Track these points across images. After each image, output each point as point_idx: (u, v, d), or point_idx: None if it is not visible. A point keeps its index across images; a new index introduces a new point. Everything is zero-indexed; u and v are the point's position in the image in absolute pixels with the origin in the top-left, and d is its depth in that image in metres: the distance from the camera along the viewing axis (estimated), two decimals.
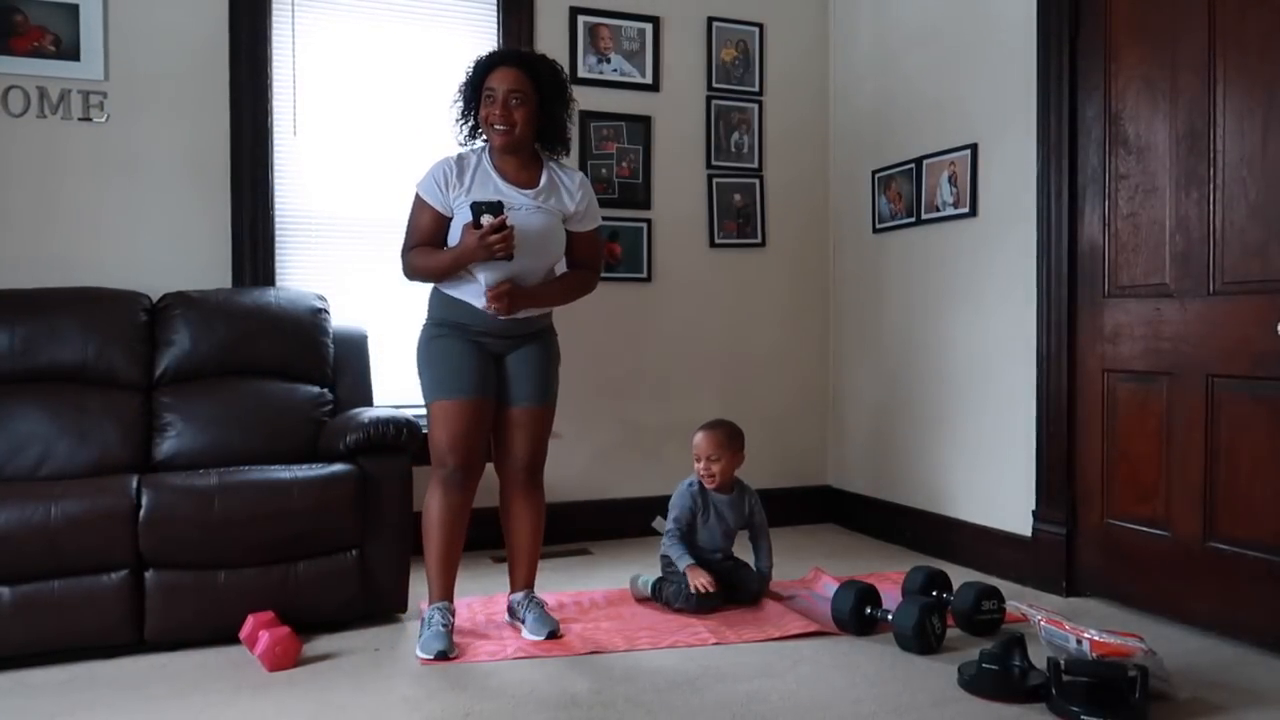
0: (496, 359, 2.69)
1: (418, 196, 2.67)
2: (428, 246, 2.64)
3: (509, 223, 2.46)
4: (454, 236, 2.61)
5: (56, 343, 2.92)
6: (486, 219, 2.45)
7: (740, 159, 4.21)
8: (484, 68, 2.64)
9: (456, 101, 2.72)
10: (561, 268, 2.79)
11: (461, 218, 2.57)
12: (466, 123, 2.72)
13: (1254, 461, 2.55)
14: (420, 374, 2.68)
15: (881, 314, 4.03)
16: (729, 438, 3.05)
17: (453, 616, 2.64)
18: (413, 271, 2.67)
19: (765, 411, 4.26)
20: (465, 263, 2.54)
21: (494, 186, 2.62)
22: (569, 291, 2.75)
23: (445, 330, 2.65)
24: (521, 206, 2.59)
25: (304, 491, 2.65)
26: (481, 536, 2.99)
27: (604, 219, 3.95)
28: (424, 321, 2.73)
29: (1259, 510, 2.53)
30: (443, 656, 2.48)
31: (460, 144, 2.75)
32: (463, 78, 2.70)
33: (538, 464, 2.77)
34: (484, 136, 2.68)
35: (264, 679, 2.36)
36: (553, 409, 2.78)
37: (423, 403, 2.69)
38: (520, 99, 2.59)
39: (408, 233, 2.69)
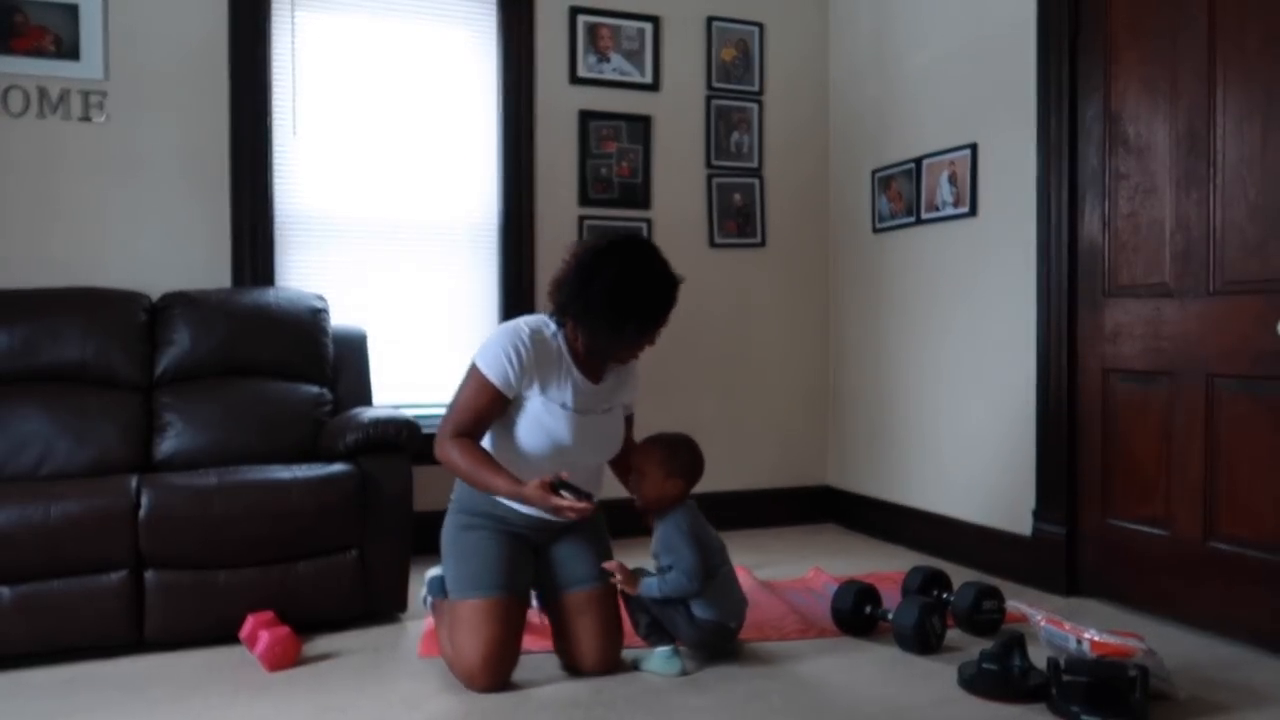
0: (536, 550, 2.42)
1: (478, 372, 2.28)
2: (481, 454, 2.27)
3: (591, 500, 2.19)
4: (524, 430, 2.31)
5: (56, 343, 2.92)
6: (567, 495, 2.15)
7: (740, 159, 4.21)
8: (659, 310, 2.30)
9: (593, 293, 2.25)
10: None
11: (531, 412, 2.31)
12: (586, 321, 2.29)
13: (1254, 461, 2.55)
14: (445, 564, 2.41)
15: (881, 314, 4.03)
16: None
17: None
18: (452, 467, 2.27)
19: (765, 411, 4.27)
20: (521, 502, 2.23)
21: (574, 388, 2.34)
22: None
23: (478, 520, 2.36)
24: (597, 409, 2.39)
25: (304, 491, 2.65)
26: None
27: (604, 219, 4.01)
28: (451, 507, 2.45)
29: (1259, 510, 2.53)
30: None
31: (548, 317, 2.38)
32: (619, 285, 2.25)
33: (612, 660, 2.37)
34: (573, 325, 2.33)
35: (264, 679, 2.35)
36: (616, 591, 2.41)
37: (446, 580, 2.41)
38: None
39: (457, 408, 2.30)
